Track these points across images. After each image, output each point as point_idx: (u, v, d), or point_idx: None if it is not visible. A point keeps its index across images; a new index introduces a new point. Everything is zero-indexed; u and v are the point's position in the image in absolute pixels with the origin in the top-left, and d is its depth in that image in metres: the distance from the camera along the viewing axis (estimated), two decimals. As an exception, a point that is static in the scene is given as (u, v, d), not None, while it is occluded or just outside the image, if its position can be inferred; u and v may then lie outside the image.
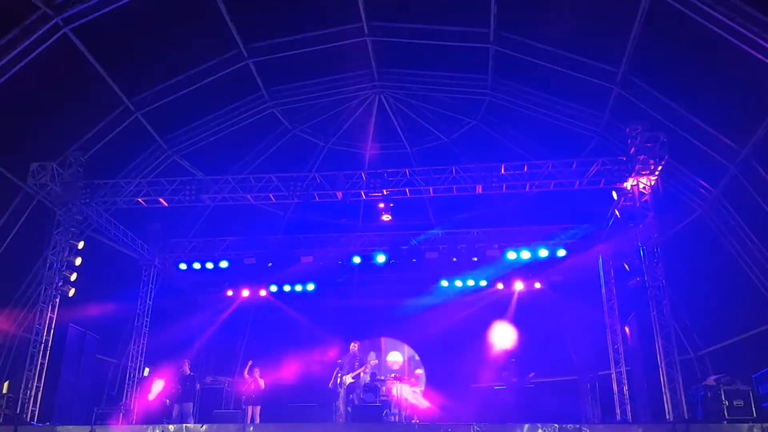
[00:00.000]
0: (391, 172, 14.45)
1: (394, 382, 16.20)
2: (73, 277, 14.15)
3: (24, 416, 12.68)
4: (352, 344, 16.25)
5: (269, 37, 14.90)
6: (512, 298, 20.49)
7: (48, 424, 12.75)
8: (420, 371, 21.42)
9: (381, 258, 18.13)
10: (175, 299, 19.11)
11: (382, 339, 21.99)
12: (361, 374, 15.68)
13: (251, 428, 12.21)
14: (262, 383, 15.78)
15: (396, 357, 21.99)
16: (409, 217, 18.62)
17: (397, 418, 15.22)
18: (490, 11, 13.36)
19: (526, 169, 14.00)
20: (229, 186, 14.77)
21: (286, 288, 20.63)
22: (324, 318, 20.73)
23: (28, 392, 13.08)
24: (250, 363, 16.18)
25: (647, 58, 12.61)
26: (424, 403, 18.15)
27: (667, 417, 11.91)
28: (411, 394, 17.16)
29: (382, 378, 16.35)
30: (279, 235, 19.02)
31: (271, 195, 14.79)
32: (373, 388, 15.45)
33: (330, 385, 15.52)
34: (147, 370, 17.68)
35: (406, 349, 22.07)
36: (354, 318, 20.66)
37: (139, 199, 14.82)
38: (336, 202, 14.88)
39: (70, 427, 12.06)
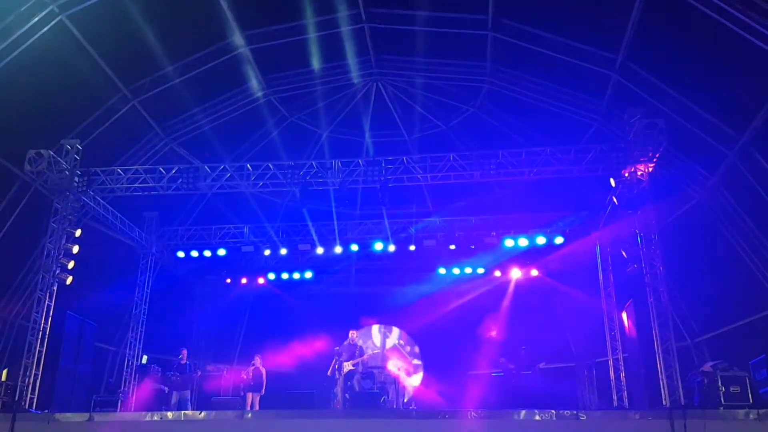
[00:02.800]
0: (388, 160, 14.44)
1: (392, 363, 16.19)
2: (71, 265, 14.14)
3: (22, 404, 12.70)
4: (351, 332, 16.26)
5: (266, 24, 14.83)
6: (510, 286, 20.52)
7: (46, 411, 12.76)
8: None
9: (379, 246, 18.15)
10: (172, 287, 19.11)
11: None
12: (360, 363, 15.72)
13: (250, 415, 12.22)
14: (263, 371, 15.81)
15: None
16: (407, 204, 18.61)
17: (395, 404, 15.27)
18: (488, -3, 13.32)
19: (523, 156, 13.99)
20: (226, 174, 14.76)
21: (284, 276, 20.67)
22: (322, 306, 20.74)
23: (27, 380, 13.10)
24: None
25: (646, 44, 12.55)
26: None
27: (664, 403, 11.97)
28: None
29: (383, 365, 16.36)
30: (277, 223, 19.00)
31: (268, 183, 14.77)
32: (370, 374, 15.48)
33: (329, 373, 15.55)
34: (145, 357, 17.71)
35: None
36: (352, 306, 20.68)
37: (137, 187, 14.80)
38: (334, 189, 14.87)
39: (69, 414, 12.06)
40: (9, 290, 15.11)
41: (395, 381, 15.49)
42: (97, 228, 16.65)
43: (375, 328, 21.97)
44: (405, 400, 16.21)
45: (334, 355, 15.66)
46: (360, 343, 16.17)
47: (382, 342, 21.83)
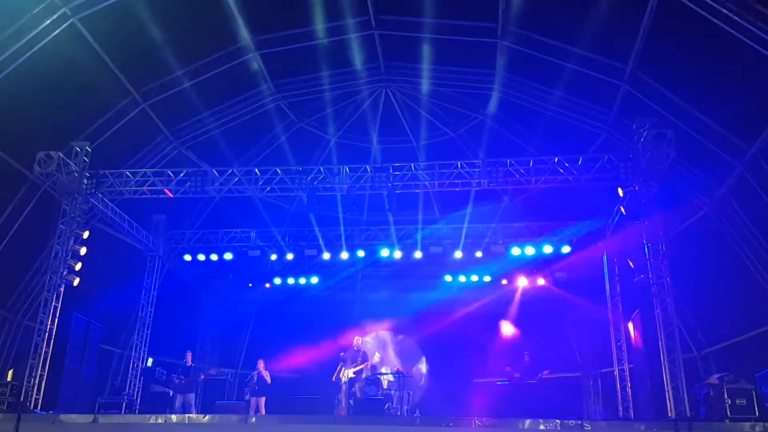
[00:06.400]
0: (396, 166, 14.45)
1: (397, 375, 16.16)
2: (78, 266, 14.18)
3: (27, 404, 12.73)
4: (355, 338, 16.25)
5: (276, 30, 14.90)
6: (516, 294, 20.45)
7: (51, 412, 12.80)
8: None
9: (385, 252, 18.13)
10: (179, 290, 19.15)
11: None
12: (364, 369, 15.70)
13: (254, 419, 12.23)
14: (266, 375, 15.81)
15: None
16: (414, 211, 18.60)
17: (399, 411, 15.22)
18: (498, 6, 13.32)
19: (531, 164, 13.98)
20: (234, 178, 14.82)
21: (290, 281, 20.68)
22: (327, 311, 20.73)
23: (32, 380, 13.14)
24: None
25: (656, 54, 12.54)
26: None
27: (670, 415, 11.91)
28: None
29: (384, 372, 16.34)
30: (284, 228, 19.03)
31: (276, 187, 14.82)
32: (375, 381, 15.46)
33: (334, 378, 15.54)
34: (150, 360, 17.73)
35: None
36: (357, 312, 20.67)
37: (145, 189, 14.86)
38: (341, 195, 14.90)
39: (74, 415, 12.09)
40: (16, 290, 15.20)
41: (400, 388, 15.42)
42: (105, 230, 16.72)
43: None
44: (408, 407, 16.12)
45: (339, 361, 15.66)
46: (365, 349, 16.16)
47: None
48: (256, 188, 14.89)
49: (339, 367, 15.55)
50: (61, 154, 13.84)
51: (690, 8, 10.73)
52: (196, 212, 19.07)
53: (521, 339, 19.01)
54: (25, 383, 13.03)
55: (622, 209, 14.10)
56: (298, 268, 20.11)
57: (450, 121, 18.34)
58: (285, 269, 20.28)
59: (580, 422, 10.64)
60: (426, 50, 15.49)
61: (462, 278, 20.02)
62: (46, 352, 13.50)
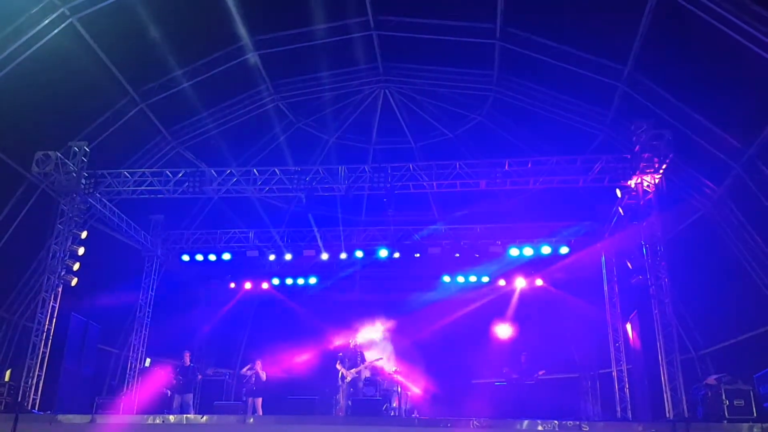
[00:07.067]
0: (394, 167, 14.46)
1: (395, 375, 16.18)
2: (76, 266, 14.18)
3: (25, 404, 12.72)
4: (353, 339, 16.26)
5: (275, 30, 14.90)
6: (514, 295, 20.47)
7: (49, 412, 12.80)
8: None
9: (383, 252, 18.13)
10: (177, 290, 19.13)
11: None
12: (363, 370, 15.71)
13: (251, 420, 12.24)
14: (263, 375, 15.81)
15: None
16: (413, 212, 18.60)
17: (396, 412, 15.23)
18: (496, 6, 13.34)
19: (530, 165, 14.00)
20: (232, 178, 14.81)
21: (289, 281, 20.68)
22: (326, 311, 20.74)
23: (30, 381, 13.13)
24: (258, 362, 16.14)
25: (654, 55, 12.55)
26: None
27: (668, 415, 11.91)
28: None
29: (386, 372, 16.34)
30: (282, 228, 19.02)
31: (274, 188, 14.81)
32: (373, 381, 15.46)
33: (343, 376, 15.49)
34: (148, 360, 17.72)
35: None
36: (355, 312, 20.66)
37: (143, 189, 14.85)
38: (340, 195, 14.90)
39: (71, 415, 12.08)
40: (14, 291, 15.17)
41: (399, 388, 15.44)
42: (103, 230, 16.70)
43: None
44: (407, 408, 16.13)
45: (337, 360, 15.66)
46: (362, 349, 16.17)
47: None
48: (255, 188, 14.89)
49: (338, 366, 15.55)
50: (59, 154, 13.82)
51: (688, 9, 10.74)
52: (195, 212, 19.06)
53: (519, 340, 19.01)
54: (22, 383, 13.03)
55: (620, 210, 14.12)
56: (297, 268, 20.11)
57: (448, 122, 18.35)
58: (283, 270, 20.27)
59: (578, 423, 10.65)
60: (424, 51, 15.51)
61: (460, 279, 20.03)
62: (44, 353, 13.49)
